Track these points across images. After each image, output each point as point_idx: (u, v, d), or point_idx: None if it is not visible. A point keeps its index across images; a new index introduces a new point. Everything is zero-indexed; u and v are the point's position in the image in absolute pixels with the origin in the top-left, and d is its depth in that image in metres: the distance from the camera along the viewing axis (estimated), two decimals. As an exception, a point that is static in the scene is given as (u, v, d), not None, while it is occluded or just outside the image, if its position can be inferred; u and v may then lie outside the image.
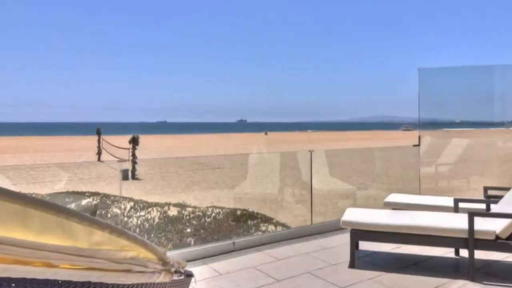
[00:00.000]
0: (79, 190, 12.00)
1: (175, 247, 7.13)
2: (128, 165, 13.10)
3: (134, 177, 13.31)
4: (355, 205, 8.27)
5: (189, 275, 1.91)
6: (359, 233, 4.79)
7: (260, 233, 7.39)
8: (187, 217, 8.92)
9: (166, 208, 9.46)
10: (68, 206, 1.14)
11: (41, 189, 12.27)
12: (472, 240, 4.34)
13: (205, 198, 10.65)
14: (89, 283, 1.17)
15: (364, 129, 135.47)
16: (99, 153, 31.66)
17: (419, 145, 7.99)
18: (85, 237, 1.15)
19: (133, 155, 21.30)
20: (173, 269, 1.69)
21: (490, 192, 5.85)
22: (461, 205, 5.27)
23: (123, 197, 6.87)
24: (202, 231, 8.04)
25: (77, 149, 42.43)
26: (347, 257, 4.89)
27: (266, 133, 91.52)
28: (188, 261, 4.70)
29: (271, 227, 7.90)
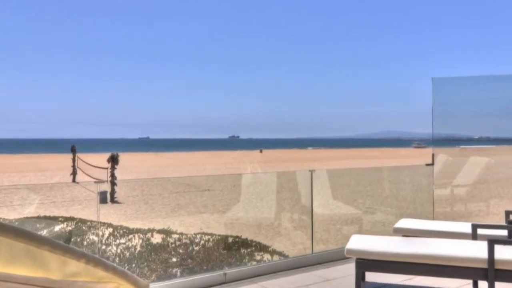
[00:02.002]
0: (52, 214, 11.94)
1: (160, 278, 7.09)
2: (106, 187, 13.06)
3: (113, 200, 13.27)
4: (361, 231, 8.27)
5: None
6: (366, 263, 4.78)
7: (254, 263, 7.37)
8: (173, 245, 8.88)
9: (149, 234, 9.41)
10: (39, 233, 1.14)
11: (9, 214, 12.20)
12: (492, 270, 4.33)
13: (192, 224, 10.62)
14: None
15: (371, 146, 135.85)
16: (74, 173, 31.61)
17: (432, 164, 8.01)
18: (58, 268, 1.14)
19: (112, 175, 21.26)
20: (156, 304, 1.69)
21: (513, 217, 5.86)
22: (480, 231, 5.26)
23: (101, 223, 6.83)
24: (189, 260, 8.01)
25: (50, 168, 42.34)
26: (352, 290, 4.87)
27: (261, 151, 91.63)
28: (173, 294, 4.67)
29: (267, 256, 7.88)
